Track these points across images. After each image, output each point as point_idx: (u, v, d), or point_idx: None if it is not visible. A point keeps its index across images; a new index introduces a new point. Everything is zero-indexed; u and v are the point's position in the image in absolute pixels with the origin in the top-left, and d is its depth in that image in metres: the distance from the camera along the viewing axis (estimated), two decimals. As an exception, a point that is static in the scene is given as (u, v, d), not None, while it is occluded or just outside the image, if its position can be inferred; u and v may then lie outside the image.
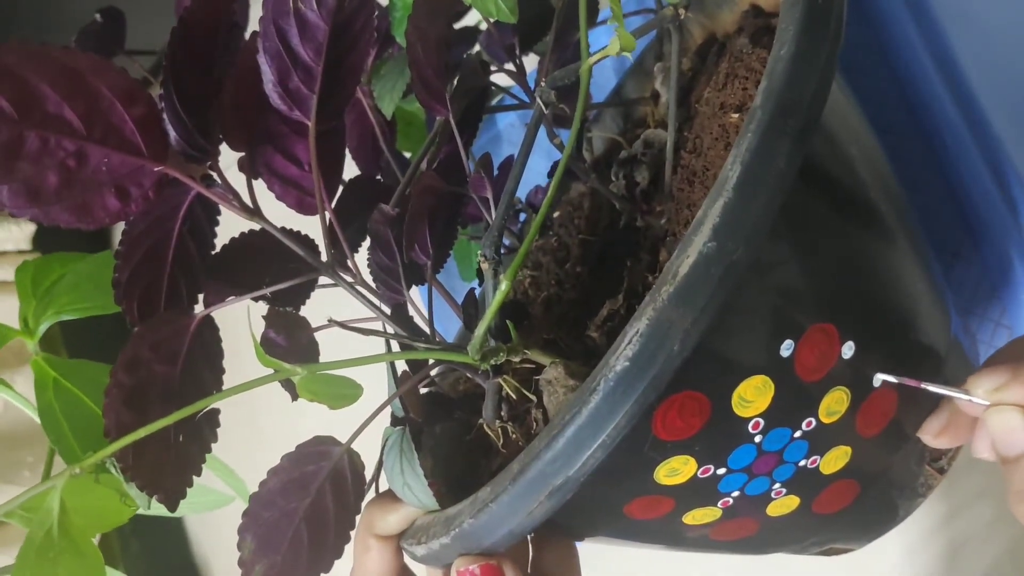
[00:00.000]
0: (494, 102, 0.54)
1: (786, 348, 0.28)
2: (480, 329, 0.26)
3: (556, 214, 0.49)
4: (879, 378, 0.31)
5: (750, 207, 0.24)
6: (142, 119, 0.28)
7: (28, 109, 0.25)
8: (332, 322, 0.30)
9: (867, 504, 0.34)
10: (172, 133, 0.28)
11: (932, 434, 0.33)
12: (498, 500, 0.27)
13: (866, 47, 0.44)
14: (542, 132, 0.38)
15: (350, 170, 0.41)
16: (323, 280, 0.37)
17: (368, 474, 0.31)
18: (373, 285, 0.34)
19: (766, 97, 0.25)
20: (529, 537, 0.41)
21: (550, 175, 0.58)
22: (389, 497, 0.34)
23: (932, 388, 0.31)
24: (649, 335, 0.25)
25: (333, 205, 0.34)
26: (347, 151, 0.38)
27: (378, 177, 0.45)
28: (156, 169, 0.28)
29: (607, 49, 0.27)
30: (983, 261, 0.45)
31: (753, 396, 0.28)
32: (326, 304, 0.38)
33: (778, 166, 0.24)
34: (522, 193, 0.51)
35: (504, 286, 0.25)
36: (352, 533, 0.30)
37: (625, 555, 0.58)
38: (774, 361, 0.28)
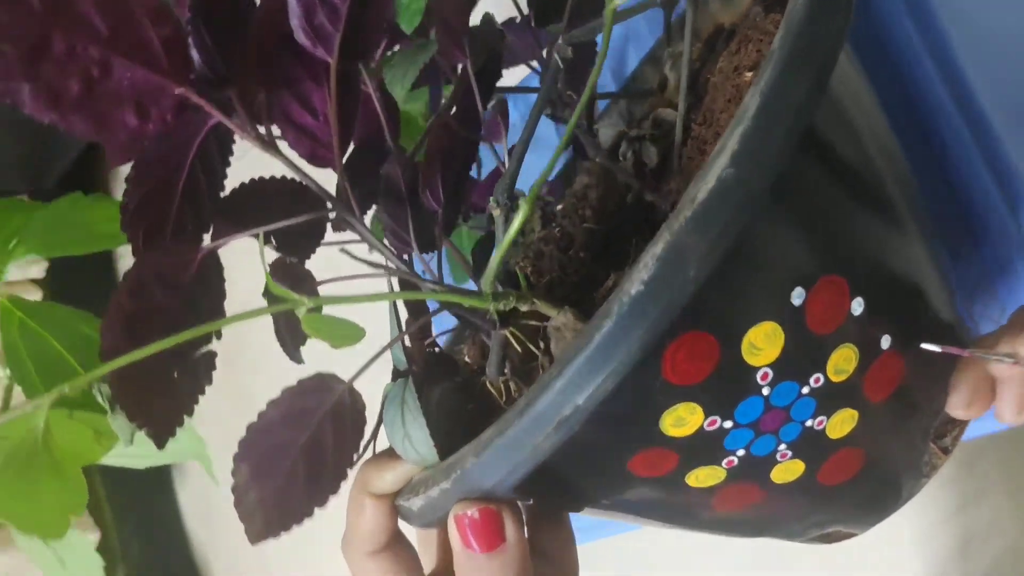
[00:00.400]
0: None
1: (797, 296, 0.28)
2: (495, 258, 0.26)
3: (559, 207, 0.49)
4: (923, 346, 0.31)
5: (770, 135, 0.25)
6: (168, 40, 0.28)
7: (58, 7, 0.25)
8: (343, 251, 0.30)
9: (871, 478, 0.34)
10: (196, 57, 0.29)
11: (964, 406, 0.33)
12: (504, 435, 0.27)
13: (866, 47, 0.45)
14: (548, 132, 0.39)
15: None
16: (328, 239, 0.37)
17: (368, 421, 0.31)
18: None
19: (785, 37, 0.26)
20: (524, 522, 0.40)
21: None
22: (386, 455, 0.34)
23: (980, 354, 0.31)
24: (665, 259, 0.25)
25: (344, 160, 0.34)
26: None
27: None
28: (177, 91, 0.28)
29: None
30: (983, 261, 0.45)
31: (763, 344, 0.28)
32: (330, 268, 0.38)
33: (798, 97, 0.25)
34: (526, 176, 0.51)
35: (524, 209, 0.25)
36: (349, 471, 0.29)
37: (623, 554, 0.57)
38: (785, 308, 0.28)
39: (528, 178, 0.52)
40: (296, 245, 0.34)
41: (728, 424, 0.29)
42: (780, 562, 0.54)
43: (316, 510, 0.29)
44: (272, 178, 0.34)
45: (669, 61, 0.40)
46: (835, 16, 0.26)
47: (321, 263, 0.38)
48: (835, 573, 0.51)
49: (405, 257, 0.33)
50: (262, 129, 0.31)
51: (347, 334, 0.30)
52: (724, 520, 0.35)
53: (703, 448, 0.30)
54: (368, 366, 0.30)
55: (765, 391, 0.29)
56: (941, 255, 0.35)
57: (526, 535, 0.31)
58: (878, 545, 0.38)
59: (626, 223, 0.41)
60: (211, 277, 0.31)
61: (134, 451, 0.32)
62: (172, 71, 0.28)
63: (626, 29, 0.55)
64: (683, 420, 0.29)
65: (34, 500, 0.26)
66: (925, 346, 0.30)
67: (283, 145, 0.34)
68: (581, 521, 0.41)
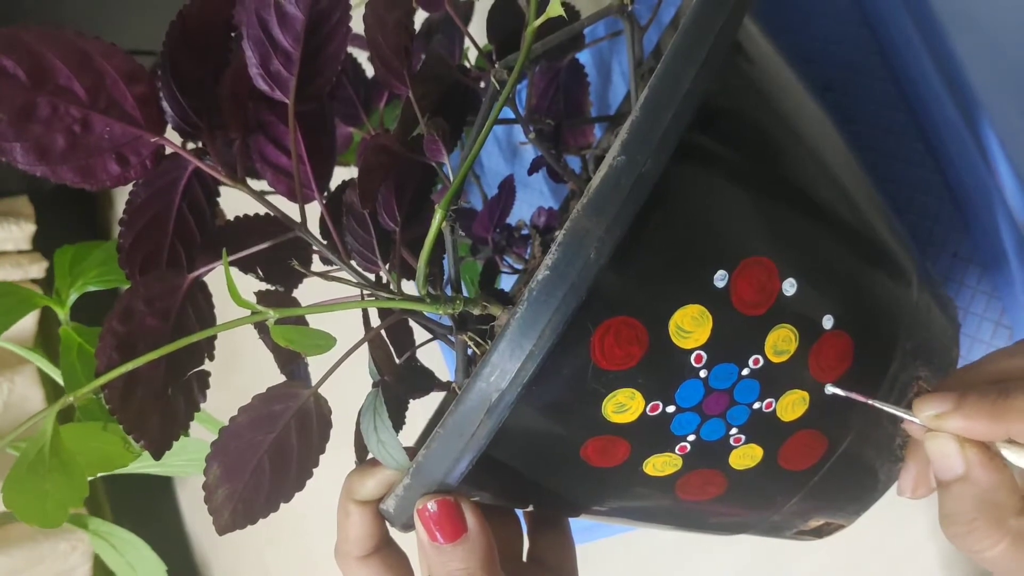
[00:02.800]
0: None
1: (720, 278, 0.29)
2: (421, 260, 0.29)
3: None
4: (828, 390, 0.32)
5: (656, 123, 0.26)
6: (142, 96, 0.32)
7: (41, 79, 0.30)
8: (310, 273, 0.32)
9: (840, 463, 0.33)
10: (168, 110, 0.33)
11: (909, 492, 0.34)
12: (445, 425, 0.29)
13: (866, 47, 0.46)
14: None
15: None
16: (316, 268, 0.40)
17: (335, 420, 0.33)
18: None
19: (675, 35, 0.28)
20: (524, 529, 0.41)
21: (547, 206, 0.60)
22: (369, 464, 0.36)
23: (880, 405, 0.32)
24: (566, 244, 0.26)
25: (324, 198, 0.37)
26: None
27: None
28: (153, 140, 0.32)
29: (549, 10, 0.30)
30: (982, 261, 0.44)
31: (691, 326, 0.29)
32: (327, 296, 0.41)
33: (683, 86, 0.26)
34: (522, 216, 0.54)
35: (439, 214, 0.28)
36: (315, 470, 0.32)
37: (623, 554, 0.56)
38: (708, 290, 0.29)
39: (519, 212, 0.54)
40: (281, 275, 0.37)
41: (671, 409, 0.30)
42: (780, 562, 0.53)
43: (283, 506, 0.31)
44: (256, 214, 0.38)
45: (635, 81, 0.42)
46: (719, 15, 0.28)
47: (322, 294, 0.42)
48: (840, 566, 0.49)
49: (374, 276, 0.36)
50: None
51: (318, 343, 0.33)
52: (699, 514, 0.35)
53: (651, 434, 0.31)
54: (333, 370, 0.33)
55: (702, 373, 0.30)
56: (897, 230, 0.35)
57: (489, 527, 0.32)
58: (890, 524, 0.37)
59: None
60: (199, 302, 0.35)
61: (164, 462, 0.36)
62: (147, 123, 0.32)
63: (611, 50, 0.58)
64: (624, 406, 0.30)
65: (39, 494, 0.30)
66: (830, 389, 0.31)
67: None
68: (581, 521, 0.42)
